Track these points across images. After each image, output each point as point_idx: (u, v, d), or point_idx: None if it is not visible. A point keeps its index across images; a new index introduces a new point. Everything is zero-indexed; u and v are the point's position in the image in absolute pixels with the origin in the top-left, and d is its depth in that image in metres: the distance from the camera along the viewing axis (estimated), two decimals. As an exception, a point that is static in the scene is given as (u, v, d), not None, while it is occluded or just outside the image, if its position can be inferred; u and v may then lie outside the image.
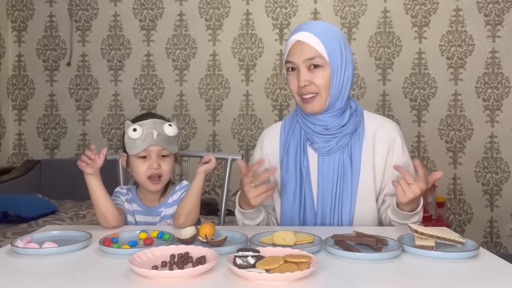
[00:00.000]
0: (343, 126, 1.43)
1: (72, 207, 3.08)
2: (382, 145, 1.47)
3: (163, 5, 3.73)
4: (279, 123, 1.59)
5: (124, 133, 1.48)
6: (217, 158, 1.86)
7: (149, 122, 1.45)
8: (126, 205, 1.51)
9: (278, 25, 3.69)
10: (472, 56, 3.58)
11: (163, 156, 1.47)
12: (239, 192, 1.41)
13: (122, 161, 1.54)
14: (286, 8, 3.68)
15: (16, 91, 3.85)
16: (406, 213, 1.35)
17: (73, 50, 3.79)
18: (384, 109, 3.64)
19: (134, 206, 1.52)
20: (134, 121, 1.48)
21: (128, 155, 1.48)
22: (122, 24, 3.76)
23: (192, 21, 3.72)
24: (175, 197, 1.52)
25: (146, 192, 1.51)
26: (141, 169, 1.45)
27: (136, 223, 1.50)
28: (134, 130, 1.42)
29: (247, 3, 3.70)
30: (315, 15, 3.66)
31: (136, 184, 1.56)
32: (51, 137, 3.85)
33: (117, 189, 1.55)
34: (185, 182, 1.56)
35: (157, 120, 1.46)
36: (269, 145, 1.55)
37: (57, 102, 3.83)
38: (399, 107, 3.62)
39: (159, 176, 1.46)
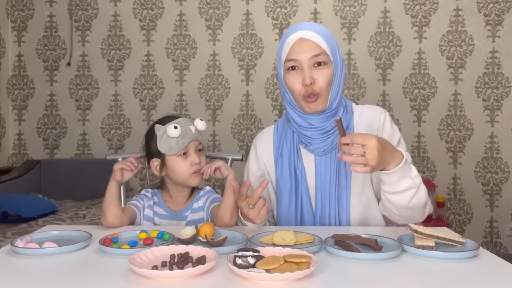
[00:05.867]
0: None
1: (72, 207, 3.08)
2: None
3: (163, 5, 3.73)
4: (272, 126, 1.58)
5: (151, 139, 1.48)
6: (217, 158, 1.86)
7: (181, 120, 1.47)
8: (147, 211, 1.51)
9: (278, 25, 3.69)
10: (472, 56, 3.58)
11: (199, 150, 1.49)
12: (240, 211, 1.36)
13: (153, 169, 1.50)
14: (286, 8, 3.68)
15: (16, 91, 3.85)
16: (386, 172, 1.25)
17: (73, 50, 3.79)
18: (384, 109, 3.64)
19: (160, 210, 1.52)
20: (159, 124, 1.47)
21: (161, 160, 1.48)
22: (122, 24, 3.76)
23: (192, 21, 3.72)
24: (200, 203, 1.52)
25: (175, 194, 1.52)
26: (184, 167, 1.45)
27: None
28: (175, 127, 1.42)
29: (247, 3, 3.70)
30: (315, 15, 3.66)
31: (161, 187, 1.56)
32: (51, 137, 3.85)
33: (143, 191, 1.56)
34: (208, 188, 1.57)
35: (186, 118, 1.50)
36: (262, 148, 1.55)
37: (57, 102, 3.83)
38: (399, 107, 3.62)
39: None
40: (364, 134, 1.21)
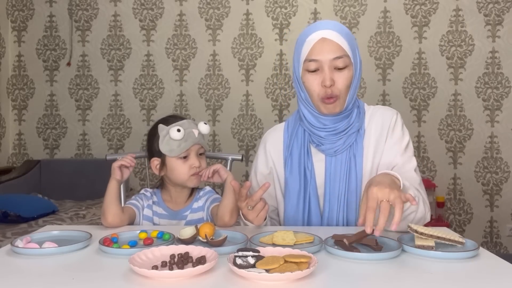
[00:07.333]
0: (349, 125, 1.41)
1: (72, 207, 3.08)
2: (375, 136, 1.44)
3: (163, 5, 3.73)
4: (282, 124, 1.57)
5: (153, 138, 1.48)
6: (217, 158, 1.86)
7: (185, 122, 1.46)
8: (146, 210, 1.50)
9: (278, 25, 3.69)
10: (472, 56, 3.58)
11: (200, 154, 1.49)
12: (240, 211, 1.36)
13: (153, 168, 1.51)
14: (286, 8, 3.68)
15: (16, 91, 3.85)
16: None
17: (73, 50, 3.79)
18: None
19: (160, 210, 1.52)
20: (163, 124, 1.47)
21: (161, 160, 1.48)
22: (122, 24, 3.76)
23: (192, 21, 3.72)
24: (200, 203, 1.52)
25: (174, 194, 1.52)
26: (183, 170, 1.46)
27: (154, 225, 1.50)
28: (178, 130, 1.42)
29: (247, 3, 3.70)
30: (315, 15, 3.66)
31: (161, 187, 1.56)
32: (51, 137, 3.85)
33: (143, 190, 1.56)
34: (208, 188, 1.57)
35: (190, 120, 1.49)
36: (272, 146, 1.54)
37: (57, 102, 3.83)
38: (399, 107, 3.60)
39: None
40: (367, 199, 1.11)
